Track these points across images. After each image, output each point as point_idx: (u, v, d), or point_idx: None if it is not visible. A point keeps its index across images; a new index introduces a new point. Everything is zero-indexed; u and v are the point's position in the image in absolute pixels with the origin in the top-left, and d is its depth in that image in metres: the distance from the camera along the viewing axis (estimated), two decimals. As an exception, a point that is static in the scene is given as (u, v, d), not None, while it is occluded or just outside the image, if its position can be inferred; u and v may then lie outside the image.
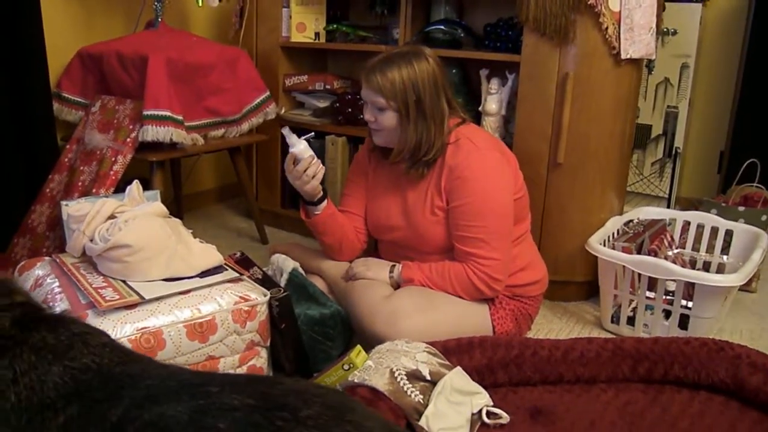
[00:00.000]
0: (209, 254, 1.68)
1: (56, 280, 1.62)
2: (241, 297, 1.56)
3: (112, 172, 2.14)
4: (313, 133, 1.91)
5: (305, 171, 1.81)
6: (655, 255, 2.12)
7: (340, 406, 0.89)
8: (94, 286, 1.54)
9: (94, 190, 2.11)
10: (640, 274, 2.02)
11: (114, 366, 1.01)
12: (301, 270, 1.94)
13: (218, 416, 0.85)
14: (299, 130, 1.95)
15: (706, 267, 2.36)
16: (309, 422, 0.83)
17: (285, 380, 0.96)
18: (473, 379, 1.58)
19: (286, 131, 1.84)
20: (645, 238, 2.19)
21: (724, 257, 2.36)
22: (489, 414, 1.52)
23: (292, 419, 0.83)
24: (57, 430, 0.92)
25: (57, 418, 0.93)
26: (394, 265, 1.89)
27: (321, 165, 1.85)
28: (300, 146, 1.82)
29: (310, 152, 1.83)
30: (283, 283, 1.89)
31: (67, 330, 1.05)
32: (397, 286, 1.87)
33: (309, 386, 0.96)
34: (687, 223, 2.45)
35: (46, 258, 1.77)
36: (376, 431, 0.87)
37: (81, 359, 1.00)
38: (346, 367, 1.51)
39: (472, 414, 1.49)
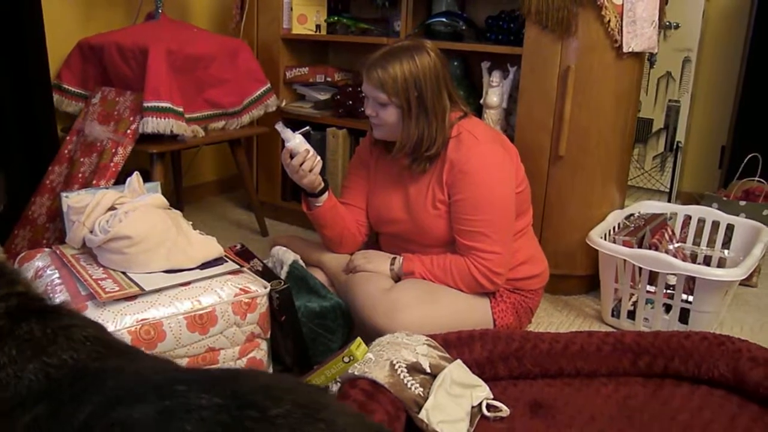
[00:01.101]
0: (209, 246, 1.68)
1: (56, 271, 1.62)
2: (241, 289, 1.56)
3: (112, 164, 2.13)
4: (308, 128, 1.89)
5: (301, 165, 1.81)
6: (656, 249, 2.12)
7: (311, 404, 0.86)
8: (94, 277, 1.53)
9: (94, 182, 2.11)
10: (640, 268, 2.02)
11: (90, 362, 0.98)
12: (301, 262, 1.94)
13: (185, 418, 0.82)
14: (298, 123, 1.95)
15: (707, 261, 2.36)
16: (279, 421, 0.81)
17: (256, 375, 0.94)
18: (473, 372, 1.58)
19: (279, 126, 1.83)
20: (646, 232, 2.18)
21: (725, 251, 2.35)
22: (489, 407, 1.52)
23: (261, 418, 0.81)
24: (23, 430, 0.90)
25: (24, 416, 0.91)
26: (394, 258, 1.89)
27: (318, 158, 1.84)
28: (295, 140, 1.81)
29: (306, 146, 1.82)
30: (283, 275, 1.88)
31: (57, 322, 1.03)
32: (397, 278, 1.87)
33: (280, 382, 0.92)
34: (688, 218, 2.45)
35: (46, 249, 1.77)
36: (349, 429, 0.86)
37: (60, 354, 0.97)
38: (346, 359, 1.51)
39: (472, 407, 1.49)
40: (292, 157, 1.81)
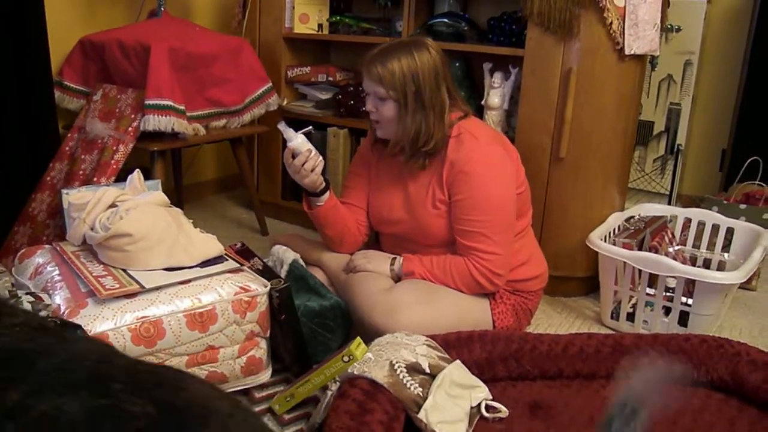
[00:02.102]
0: (210, 244, 1.68)
1: (56, 268, 1.62)
2: (241, 287, 1.56)
3: (113, 161, 2.14)
4: (310, 128, 1.89)
5: (303, 165, 1.81)
6: (656, 251, 2.12)
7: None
8: (94, 274, 1.53)
9: (95, 179, 2.11)
10: (640, 271, 2.02)
11: (21, 343, 0.95)
12: (301, 261, 1.94)
13: (116, 425, 0.79)
14: (299, 123, 1.95)
15: (707, 264, 2.36)
16: None
17: (187, 384, 0.91)
18: (473, 373, 1.58)
19: (282, 126, 1.83)
20: (646, 234, 2.18)
21: (725, 255, 2.35)
22: (488, 408, 1.52)
23: None
24: None
25: None
26: (394, 258, 1.89)
27: (320, 158, 1.83)
28: (297, 140, 1.81)
29: (308, 146, 1.82)
30: (283, 274, 1.88)
31: None
32: (397, 278, 1.87)
33: (211, 397, 0.89)
34: (688, 220, 2.45)
35: (47, 246, 1.77)
36: None
37: None
38: (345, 359, 1.51)
39: (471, 407, 1.49)
40: (294, 156, 1.81)
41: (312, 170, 1.82)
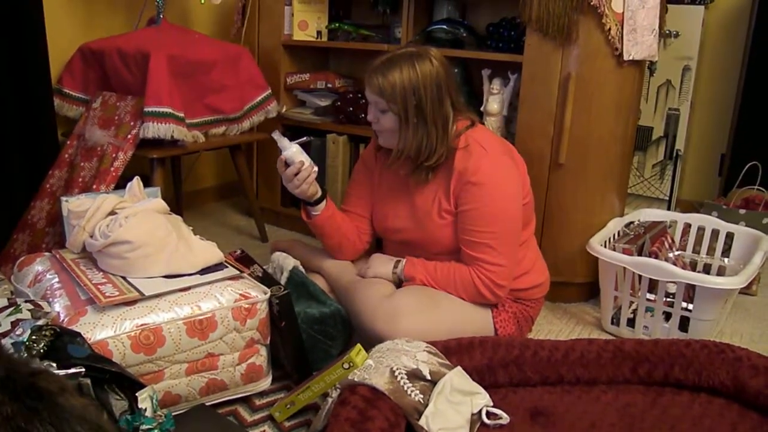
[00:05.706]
0: (210, 251, 1.67)
1: (56, 275, 1.62)
2: (241, 294, 1.56)
3: (112, 169, 2.13)
4: (305, 138, 1.87)
5: (296, 175, 1.80)
6: (656, 257, 2.12)
7: None
8: (93, 282, 1.53)
9: (94, 187, 2.11)
10: (640, 276, 2.02)
11: None
12: (301, 268, 1.93)
13: None
14: (298, 129, 1.94)
15: (707, 269, 2.36)
16: None
17: None
18: (473, 379, 1.58)
19: (276, 135, 1.81)
20: (646, 239, 2.18)
21: (725, 260, 2.35)
22: (489, 414, 1.51)
23: None
24: None
25: None
26: (398, 261, 1.88)
27: (313, 169, 1.81)
28: (291, 149, 1.79)
29: (301, 157, 1.79)
30: (283, 281, 1.88)
31: None
32: (399, 281, 1.86)
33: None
34: (688, 226, 2.45)
35: (46, 253, 1.77)
36: None
37: None
38: (346, 365, 1.51)
39: (472, 414, 1.48)
40: (287, 166, 1.80)
41: (304, 181, 1.80)
